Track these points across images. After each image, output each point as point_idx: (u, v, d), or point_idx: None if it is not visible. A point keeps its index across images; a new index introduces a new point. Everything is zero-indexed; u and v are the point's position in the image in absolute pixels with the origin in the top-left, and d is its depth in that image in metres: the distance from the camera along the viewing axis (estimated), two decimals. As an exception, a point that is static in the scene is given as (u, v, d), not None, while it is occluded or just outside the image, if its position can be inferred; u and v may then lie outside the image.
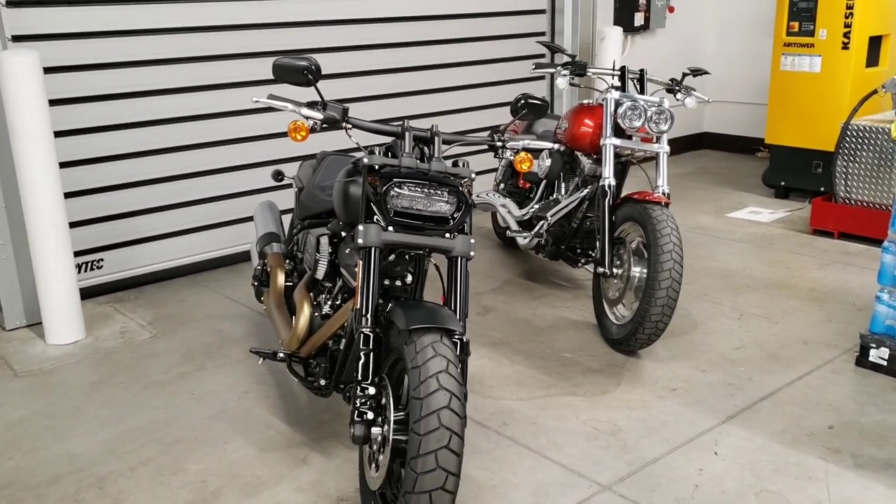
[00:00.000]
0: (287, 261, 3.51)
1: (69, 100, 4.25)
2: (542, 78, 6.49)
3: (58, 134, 4.13)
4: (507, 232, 4.58)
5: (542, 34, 6.43)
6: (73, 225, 4.27)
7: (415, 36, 5.59)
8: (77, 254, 4.32)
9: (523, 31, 6.27)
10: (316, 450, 3.00)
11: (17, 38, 4.01)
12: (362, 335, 2.43)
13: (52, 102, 4.06)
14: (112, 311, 4.35)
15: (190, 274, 4.87)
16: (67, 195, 4.21)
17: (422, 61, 5.67)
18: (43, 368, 3.71)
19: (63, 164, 4.17)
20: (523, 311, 4.24)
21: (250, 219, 4.99)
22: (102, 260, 4.54)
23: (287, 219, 4.24)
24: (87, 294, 4.43)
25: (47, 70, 3.96)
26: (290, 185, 4.97)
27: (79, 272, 4.41)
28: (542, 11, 6.40)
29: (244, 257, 5.04)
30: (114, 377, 3.61)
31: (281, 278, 3.42)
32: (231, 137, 4.86)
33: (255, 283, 3.58)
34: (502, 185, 5.04)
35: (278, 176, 3.82)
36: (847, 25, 5.60)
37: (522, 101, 2.82)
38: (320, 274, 3.00)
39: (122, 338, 4.02)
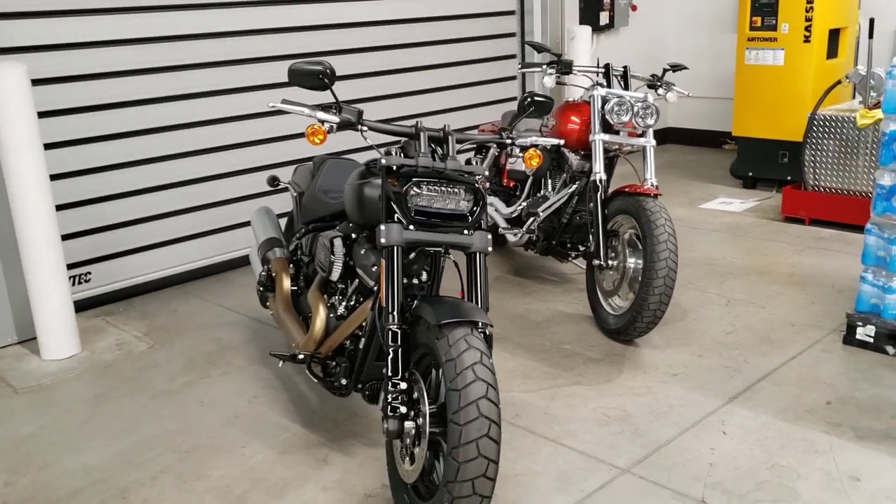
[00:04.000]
0: (290, 265, 3.54)
1: (57, 111, 4.21)
2: (513, 78, 6.59)
3: (46, 146, 4.08)
4: (499, 230, 4.65)
5: (513, 35, 6.53)
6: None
7: (390, 40, 5.64)
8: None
9: (494, 33, 6.36)
10: (335, 449, 3.03)
11: (3, 51, 3.95)
12: (390, 332, 2.48)
13: (41, 115, 4.01)
14: (104, 324, 4.31)
15: (178, 284, 4.84)
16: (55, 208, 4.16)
17: (398, 64, 5.72)
18: (42, 384, 3.66)
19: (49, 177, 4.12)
20: (517, 306, 4.32)
21: (238, 226, 4.98)
22: (90, 273, 4.50)
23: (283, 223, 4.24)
24: (76, 308, 4.37)
25: (35, 82, 3.92)
26: (284, 190, 4.97)
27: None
28: (511, 13, 6.51)
29: (232, 265, 5.03)
30: (117, 389, 3.59)
31: (287, 283, 3.44)
32: (218, 145, 4.85)
33: (261, 289, 3.59)
34: (486, 185, 5.10)
35: (274, 181, 3.84)
36: (808, 19, 5.81)
37: (529, 99, 2.90)
38: (335, 276, 3.03)
39: (119, 350, 3.99)
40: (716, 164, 7.22)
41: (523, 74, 4.30)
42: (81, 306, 4.45)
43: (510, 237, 4.55)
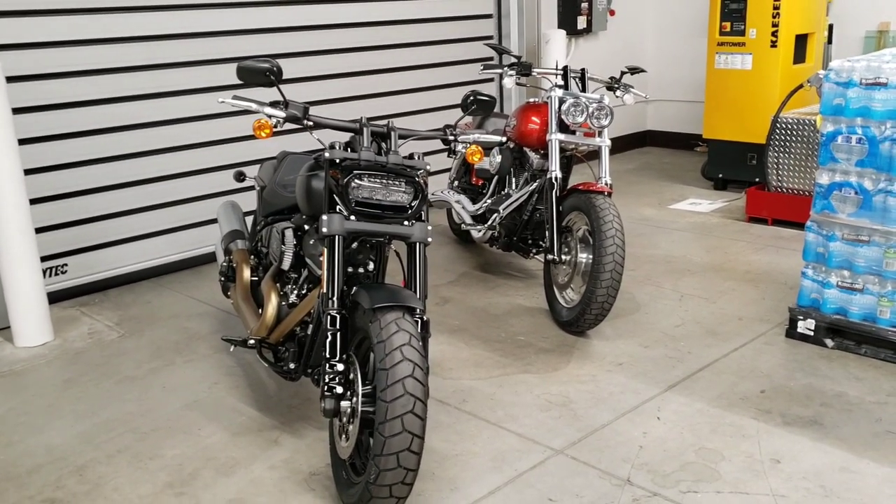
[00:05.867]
0: (252, 256, 3.68)
1: (31, 108, 4.35)
2: (491, 80, 6.74)
3: (21, 142, 4.22)
4: (462, 226, 4.80)
5: (490, 38, 6.68)
6: (36, 231, 4.36)
7: (370, 41, 5.79)
8: (41, 259, 4.41)
9: (472, 35, 6.51)
10: (287, 432, 3.17)
11: (-22, 49, 4.11)
12: (329, 317, 2.62)
13: (17, 111, 4.16)
14: (78, 314, 4.45)
15: (154, 277, 4.98)
16: (31, 201, 4.31)
17: (377, 65, 5.87)
18: (14, 369, 3.80)
19: (26, 172, 4.26)
20: (479, 300, 4.46)
21: (212, 221, 5.13)
22: (66, 265, 4.64)
23: (249, 219, 4.38)
24: (52, 299, 4.51)
25: (10, 79, 4.06)
26: (252, 187, 5.11)
27: (43, 277, 4.49)
28: (489, 16, 6.66)
29: (207, 259, 5.17)
30: (85, 375, 3.73)
31: (247, 273, 3.58)
32: (191, 142, 5.00)
33: (222, 279, 3.73)
34: (456, 183, 5.26)
35: (240, 176, 3.98)
36: (775, 25, 5.95)
37: (472, 98, 3.04)
38: (286, 265, 3.18)
39: (90, 338, 4.13)
40: (690, 166, 7.36)
41: (500, 76, 4.44)
42: (57, 297, 4.60)
43: (474, 233, 4.70)
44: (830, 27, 5.84)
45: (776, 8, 5.93)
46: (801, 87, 5.46)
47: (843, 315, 3.63)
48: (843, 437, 2.98)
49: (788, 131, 5.50)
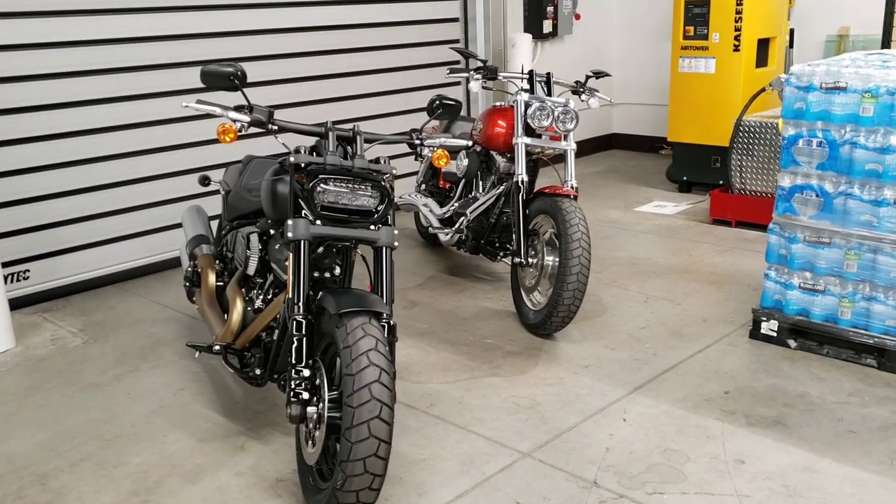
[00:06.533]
0: (217, 261, 3.65)
1: (-7, 112, 4.29)
2: (457, 84, 6.75)
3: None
4: (430, 229, 4.80)
5: (457, 41, 6.69)
6: (-3, 236, 4.30)
7: (335, 45, 5.77)
8: (2, 265, 4.33)
9: (438, 39, 6.52)
10: (253, 438, 3.14)
11: (-65, 51, 4.03)
12: (295, 322, 2.61)
13: (-25, 114, 4.10)
14: (41, 321, 4.38)
15: (118, 282, 4.92)
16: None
17: (343, 69, 5.86)
18: (-27, 378, 3.74)
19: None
20: (447, 303, 4.47)
21: (176, 226, 5.06)
22: (28, 270, 4.56)
23: (214, 223, 4.34)
24: (14, 305, 4.42)
25: (-33, 83, 4.00)
26: (217, 191, 5.06)
27: (5, 283, 4.41)
28: (455, 20, 6.67)
29: (171, 264, 5.11)
30: (48, 382, 3.66)
31: (212, 278, 3.55)
32: (155, 146, 4.94)
33: (187, 284, 3.69)
34: (423, 186, 5.26)
35: (205, 181, 3.95)
36: (737, 29, 6.04)
37: (437, 102, 3.05)
38: (251, 270, 3.16)
39: (53, 345, 4.06)
40: (655, 168, 7.44)
41: (466, 80, 4.46)
42: (19, 303, 4.52)
43: (442, 236, 4.70)
44: (792, 31, 5.94)
45: (739, 12, 6.01)
46: (763, 90, 5.55)
47: (806, 316, 3.69)
48: (805, 437, 3.03)
49: (751, 134, 5.59)
